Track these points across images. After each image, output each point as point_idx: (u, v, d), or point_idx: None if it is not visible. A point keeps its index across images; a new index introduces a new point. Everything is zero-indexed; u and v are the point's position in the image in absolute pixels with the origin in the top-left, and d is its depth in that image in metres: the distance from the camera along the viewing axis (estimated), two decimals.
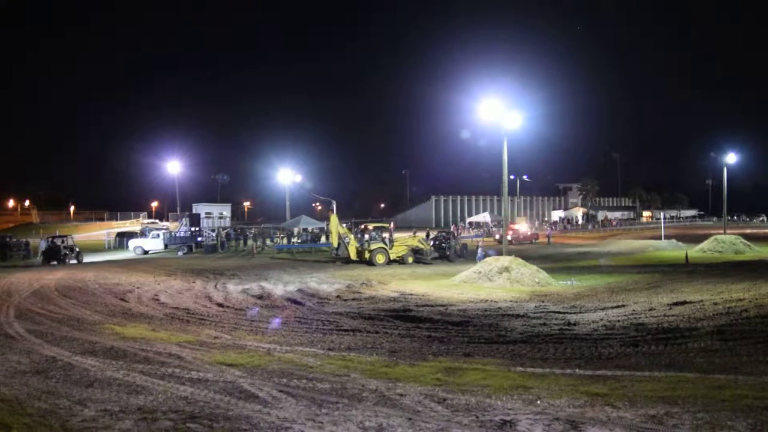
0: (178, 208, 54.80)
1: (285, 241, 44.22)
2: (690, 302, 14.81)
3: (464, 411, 6.29)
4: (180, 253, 37.40)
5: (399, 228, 60.06)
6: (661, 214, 68.43)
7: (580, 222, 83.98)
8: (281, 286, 21.10)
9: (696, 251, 36.29)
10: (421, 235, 37.36)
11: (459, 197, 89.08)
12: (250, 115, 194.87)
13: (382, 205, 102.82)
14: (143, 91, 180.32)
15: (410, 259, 30.50)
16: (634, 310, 14.37)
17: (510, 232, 40.73)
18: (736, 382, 7.16)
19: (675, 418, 5.82)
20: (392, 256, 30.15)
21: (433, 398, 6.79)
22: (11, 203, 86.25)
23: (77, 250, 32.01)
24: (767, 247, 38.87)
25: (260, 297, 18.37)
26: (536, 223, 76.45)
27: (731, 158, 48.44)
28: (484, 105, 25.51)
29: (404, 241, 32.59)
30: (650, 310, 14.33)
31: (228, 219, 68.60)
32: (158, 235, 40.50)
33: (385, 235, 33.58)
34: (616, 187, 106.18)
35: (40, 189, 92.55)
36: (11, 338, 11.03)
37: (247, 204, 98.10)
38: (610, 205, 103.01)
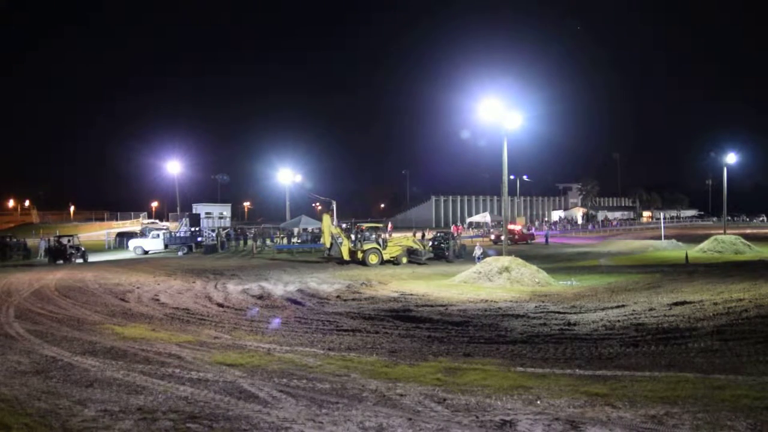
0: (178, 208, 54.78)
1: (285, 241, 44.17)
2: (690, 302, 14.81)
3: (464, 411, 6.30)
4: (180, 253, 37.38)
5: (400, 228, 60.15)
6: (661, 214, 68.43)
7: (580, 222, 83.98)
8: (281, 286, 21.10)
9: (696, 251, 36.29)
10: (417, 235, 37.23)
11: (459, 197, 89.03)
12: (250, 115, 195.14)
13: (382, 205, 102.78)
14: (143, 91, 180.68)
15: (404, 260, 30.18)
16: (634, 310, 14.37)
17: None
18: (736, 382, 7.16)
19: (675, 418, 5.82)
20: (386, 257, 29.88)
21: (433, 398, 6.79)
22: (11, 203, 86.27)
23: (83, 249, 32.56)
24: (767, 247, 38.87)
25: (260, 297, 18.37)
26: (536, 223, 76.46)
27: (731, 158, 48.47)
28: (484, 105, 25.51)
29: (398, 241, 32.39)
30: (650, 310, 14.33)
31: (228, 219, 68.54)
32: (158, 235, 40.48)
33: (381, 235, 33.35)
34: (616, 187, 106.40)
35: (40, 189, 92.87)
36: (11, 338, 11.03)
37: (247, 204, 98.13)
38: (610, 205, 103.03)
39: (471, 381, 7.64)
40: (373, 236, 31.14)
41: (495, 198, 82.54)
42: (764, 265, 25.42)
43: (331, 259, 31.22)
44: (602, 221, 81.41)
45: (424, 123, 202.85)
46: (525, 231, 51.55)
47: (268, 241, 44.00)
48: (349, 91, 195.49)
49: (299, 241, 43.46)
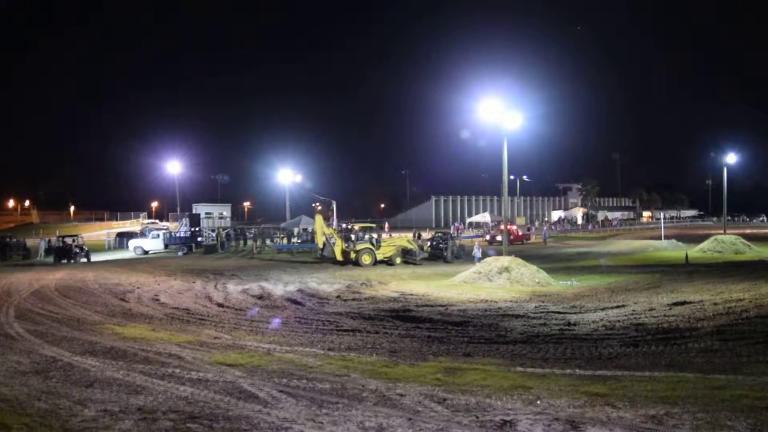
0: (178, 208, 54.82)
1: (285, 241, 44.18)
2: (690, 302, 14.80)
3: (464, 411, 6.30)
4: (180, 254, 37.39)
5: (400, 228, 60.15)
6: (661, 214, 68.37)
7: (580, 222, 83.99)
8: (281, 286, 21.10)
9: (696, 251, 36.26)
10: (413, 235, 37.09)
11: (459, 197, 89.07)
12: (250, 115, 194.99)
13: (382, 205, 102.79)
14: (143, 91, 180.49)
15: (398, 260, 29.82)
16: (634, 311, 14.36)
17: (500, 233, 40.54)
18: (736, 382, 7.16)
19: (675, 418, 5.82)
20: (379, 257, 29.55)
21: (433, 398, 6.79)
22: (11, 203, 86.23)
23: (86, 249, 32.97)
24: (767, 247, 38.86)
25: (260, 297, 18.37)
26: (536, 223, 76.45)
27: (731, 158, 48.45)
28: (484, 105, 25.49)
29: (392, 241, 32.21)
30: (650, 310, 14.32)
31: (228, 219, 68.61)
32: (158, 235, 40.49)
33: (374, 235, 33.16)
34: (616, 187, 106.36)
35: (40, 189, 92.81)
36: (11, 338, 11.03)
37: (247, 204, 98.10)
38: (610, 205, 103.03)
39: (471, 381, 7.64)
40: (367, 236, 30.99)
41: (495, 198, 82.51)
42: (764, 265, 25.41)
43: (324, 260, 31.16)
44: (602, 221, 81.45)
45: (424, 123, 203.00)
46: (520, 231, 51.54)
47: (268, 241, 44.00)
48: (350, 91, 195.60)
49: (299, 241, 43.44)
